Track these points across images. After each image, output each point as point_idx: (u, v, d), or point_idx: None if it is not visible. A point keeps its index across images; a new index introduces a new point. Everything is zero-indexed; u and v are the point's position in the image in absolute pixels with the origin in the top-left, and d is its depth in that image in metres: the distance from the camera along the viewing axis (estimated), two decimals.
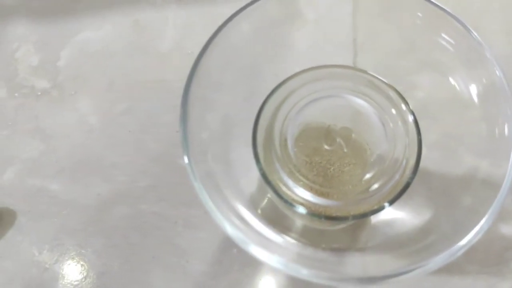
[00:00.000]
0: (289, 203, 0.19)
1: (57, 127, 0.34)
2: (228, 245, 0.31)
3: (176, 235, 0.31)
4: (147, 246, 0.30)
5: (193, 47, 0.36)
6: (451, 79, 0.19)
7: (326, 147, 0.20)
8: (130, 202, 0.32)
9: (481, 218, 0.17)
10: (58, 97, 0.35)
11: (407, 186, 0.19)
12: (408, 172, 0.19)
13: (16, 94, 0.35)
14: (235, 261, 0.30)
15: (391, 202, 0.19)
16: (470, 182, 0.18)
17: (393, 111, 0.20)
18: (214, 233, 0.31)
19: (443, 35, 0.18)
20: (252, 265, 0.30)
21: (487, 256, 0.30)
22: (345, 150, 0.20)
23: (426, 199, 0.21)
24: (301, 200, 0.19)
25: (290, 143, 0.19)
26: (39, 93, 0.35)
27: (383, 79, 0.20)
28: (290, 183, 0.19)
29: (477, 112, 0.17)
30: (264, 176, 0.18)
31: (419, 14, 0.19)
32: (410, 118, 0.19)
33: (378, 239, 0.23)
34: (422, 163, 0.20)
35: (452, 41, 0.18)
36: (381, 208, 0.19)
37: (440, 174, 0.20)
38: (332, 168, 0.20)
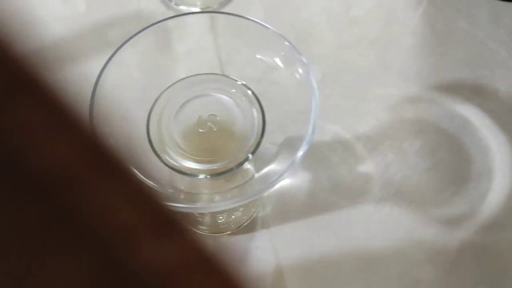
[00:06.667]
0: (187, 174, 0.27)
1: None
2: None
3: None
4: None
5: None
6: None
7: (200, 130, 0.28)
8: None
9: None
10: None
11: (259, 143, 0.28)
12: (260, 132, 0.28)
13: None
14: None
15: (253, 153, 0.28)
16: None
17: (244, 99, 0.29)
18: None
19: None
20: None
21: (351, 188, 0.40)
22: (215, 130, 0.28)
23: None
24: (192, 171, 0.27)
25: (175, 133, 0.28)
26: None
27: (235, 79, 0.29)
28: (180, 159, 0.27)
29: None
30: (154, 150, 0.27)
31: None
32: (256, 100, 0.29)
33: None
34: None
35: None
36: (246, 158, 0.28)
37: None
38: (213, 141, 0.28)
